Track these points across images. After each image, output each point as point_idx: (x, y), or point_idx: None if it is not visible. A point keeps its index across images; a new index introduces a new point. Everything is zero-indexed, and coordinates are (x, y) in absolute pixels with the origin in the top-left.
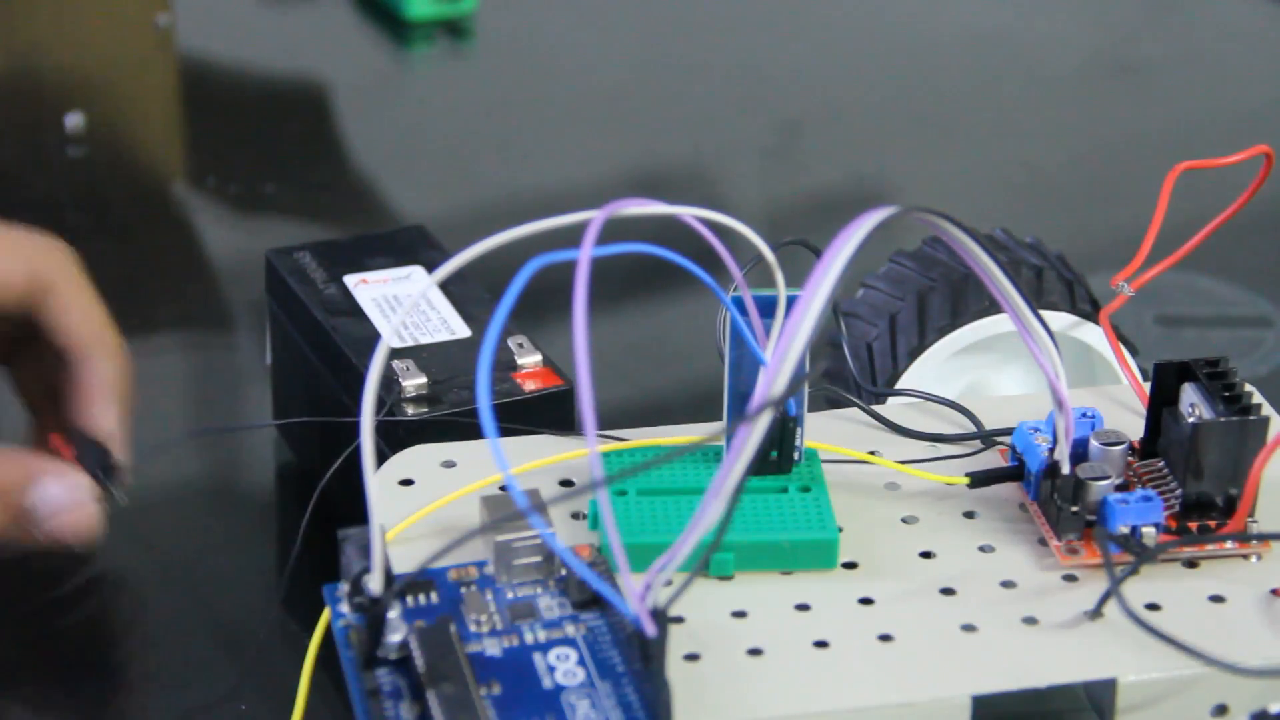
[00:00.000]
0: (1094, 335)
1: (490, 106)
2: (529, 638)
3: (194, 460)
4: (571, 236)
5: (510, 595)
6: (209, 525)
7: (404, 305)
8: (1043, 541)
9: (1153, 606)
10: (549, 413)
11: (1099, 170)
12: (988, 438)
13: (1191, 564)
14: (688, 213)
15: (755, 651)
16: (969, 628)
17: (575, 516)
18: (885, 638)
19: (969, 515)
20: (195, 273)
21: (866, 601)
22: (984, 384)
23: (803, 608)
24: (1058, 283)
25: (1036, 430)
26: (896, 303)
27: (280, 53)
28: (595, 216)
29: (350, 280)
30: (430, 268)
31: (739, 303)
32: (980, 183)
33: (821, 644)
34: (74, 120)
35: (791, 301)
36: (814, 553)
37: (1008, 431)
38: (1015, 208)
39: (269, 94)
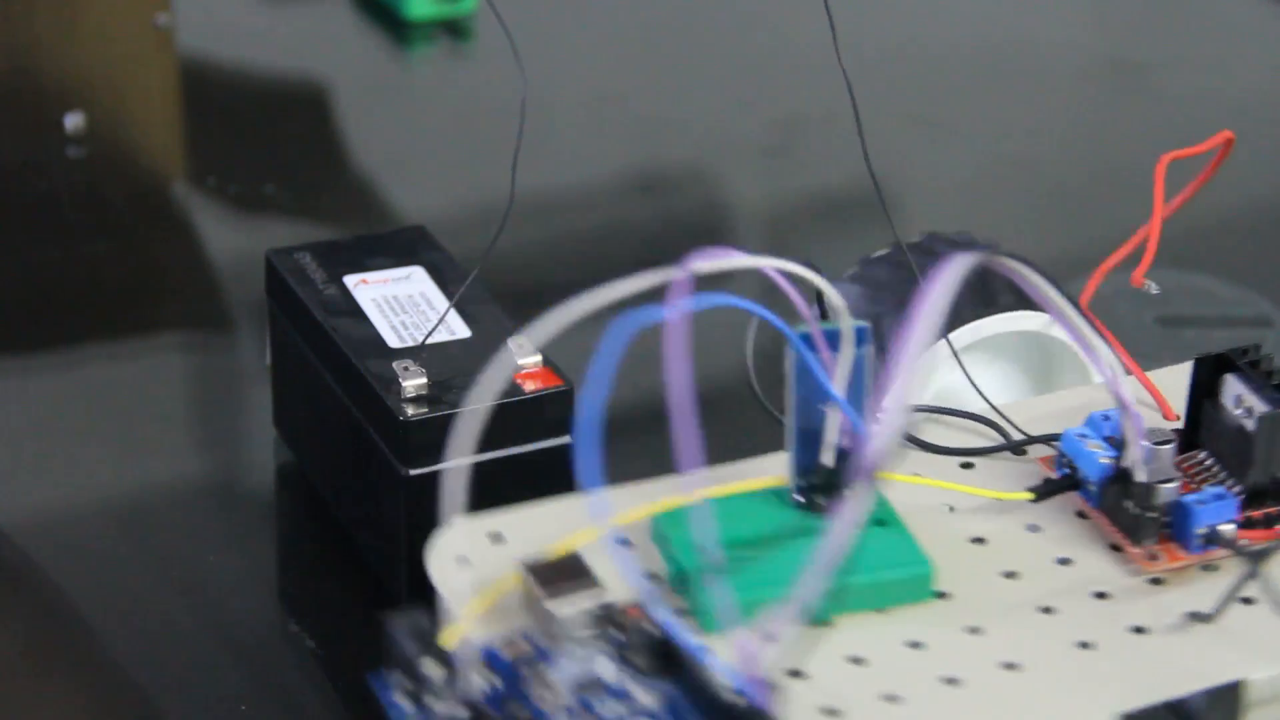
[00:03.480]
0: (1057, 331)
1: (490, 106)
2: (606, 711)
3: (194, 460)
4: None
5: (571, 668)
6: (209, 525)
7: (418, 321)
8: (1114, 548)
9: (1247, 600)
10: (549, 413)
11: (1099, 170)
12: (1019, 448)
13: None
14: (765, 264)
15: (892, 698)
16: (1085, 645)
17: (654, 578)
18: (1010, 666)
19: (1033, 529)
20: (195, 273)
21: (974, 631)
22: (958, 388)
23: (915, 645)
24: (1007, 282)
25: (1084, 436)
26: (876, 309)
27: (280, 53)
28: (677, 275)
29: (350, 280)
30: (430, 268)
31: (807, 340)
32: (980, 183)
33: (951, 681)
34: (74, 120)
35: (860, 333)
36: (909, 587)
37: (1039, 440)
38: (1015, 207)
39: (269, 94)
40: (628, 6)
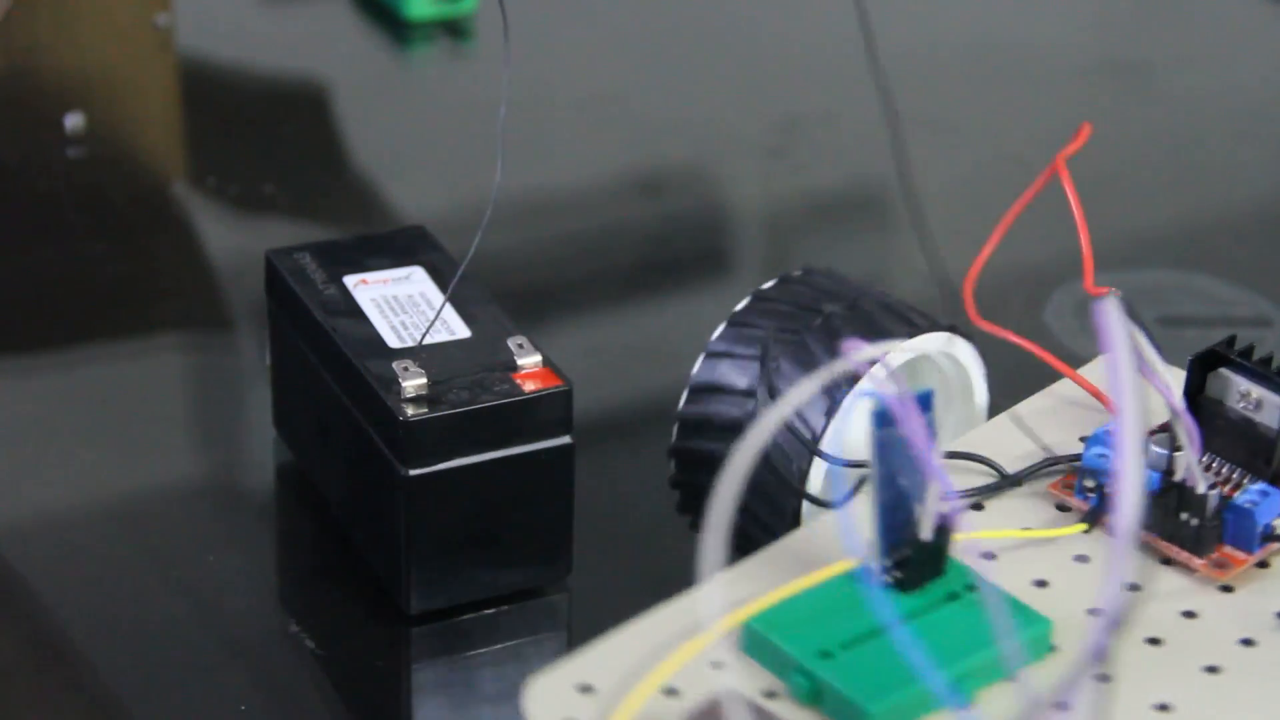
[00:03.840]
0: (961, 351)
1: (490, 106)
2: None
3: (194, 460)
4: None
5: None
6: (209, 525)
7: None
8: (1165, 561)
9: None
10: (549, 413)
11: (1098, 170)
12: (1016, 480)
13: None
14: (902, 348)
15: None
16: (1212, 669)
17: (771, 695)
18: (1162, 708)
19: (1082, 560)
20: (195, 273)
21: (1104, 679)
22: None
23: (1061, 706)
24: (886, 314)
25: (1106, 456)
26: (792, 337)
27: (280, 53)
28: (858, 363)
29: (350, 280)
30: (430, 268)
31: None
32: (980, 183)
33: None
34: (74, 120)
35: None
36: (1033, 647)
37: (1034, 470)
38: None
39: (269, 94)
40: (628, 6)
